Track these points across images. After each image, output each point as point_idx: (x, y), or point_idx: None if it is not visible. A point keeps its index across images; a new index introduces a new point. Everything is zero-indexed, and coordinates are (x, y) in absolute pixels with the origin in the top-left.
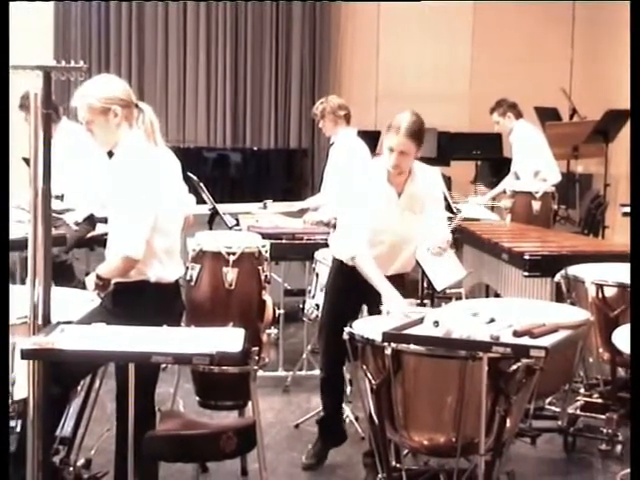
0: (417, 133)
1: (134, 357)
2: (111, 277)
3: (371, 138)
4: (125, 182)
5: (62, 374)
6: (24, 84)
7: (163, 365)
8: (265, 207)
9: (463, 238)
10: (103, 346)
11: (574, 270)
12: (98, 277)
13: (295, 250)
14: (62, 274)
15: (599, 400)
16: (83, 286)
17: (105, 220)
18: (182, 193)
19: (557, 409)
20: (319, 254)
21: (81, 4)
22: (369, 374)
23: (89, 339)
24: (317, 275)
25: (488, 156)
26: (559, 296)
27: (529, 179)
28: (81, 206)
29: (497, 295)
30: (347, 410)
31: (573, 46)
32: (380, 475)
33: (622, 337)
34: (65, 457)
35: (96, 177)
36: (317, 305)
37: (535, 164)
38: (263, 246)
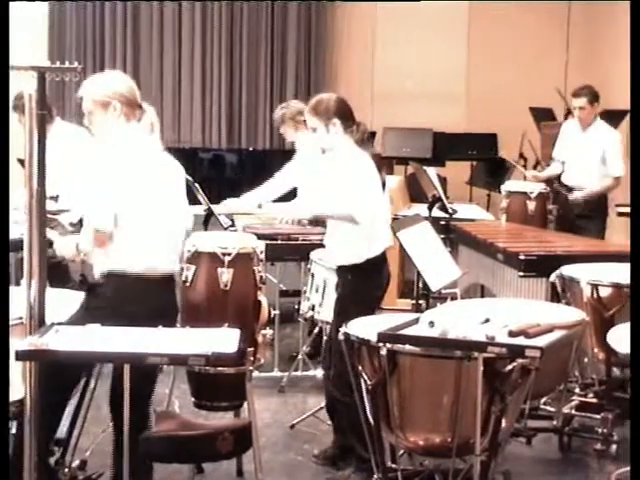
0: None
1: (129, 358)
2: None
3: None
4: (102, 161)
5: (58, 380)
6: (18, 85)
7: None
8: (260, 207)
9: (458, 238)
10: (98, 347)
11: (569, 270)
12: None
13: (290, 251)
14: (57, 275)
15: (594, 400)
16: (78, 287)
17: None
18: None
19: (552, 409)
20: (315, 254)
21: (76, 5)
22: (365, 374)
23: (84, 340)
24: (312, 276)
25: (484, 156)
26: (554, 296)
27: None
28: (76, 207)
29: (492, 295)
30: None
31: (568, 46)
32: (376, 475)
33: (617, 337)
34: (60, 458)
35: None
36: (312, 306)
37: (597, 165)
38: (258, 247)
